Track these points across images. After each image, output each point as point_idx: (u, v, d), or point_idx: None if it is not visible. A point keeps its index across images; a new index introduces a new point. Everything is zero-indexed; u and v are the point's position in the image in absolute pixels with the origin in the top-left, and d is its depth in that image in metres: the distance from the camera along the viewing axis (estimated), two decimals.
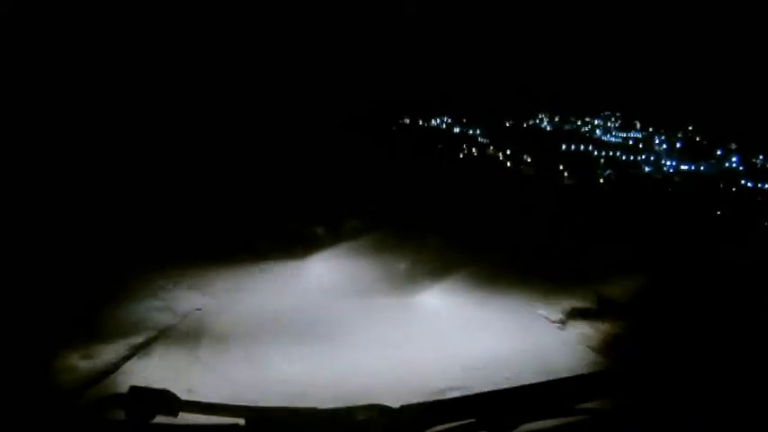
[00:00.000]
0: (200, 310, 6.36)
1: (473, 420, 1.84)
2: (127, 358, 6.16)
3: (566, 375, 2.48)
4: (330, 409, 1.87)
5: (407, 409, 1.84)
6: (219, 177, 13.77)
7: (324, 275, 7.99)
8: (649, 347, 5.89)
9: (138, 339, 6.65)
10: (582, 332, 5.99)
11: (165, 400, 1.86)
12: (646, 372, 2.43)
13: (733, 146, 26.42)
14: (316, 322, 5.97)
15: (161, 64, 13.78)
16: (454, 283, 7.64)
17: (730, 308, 7.16)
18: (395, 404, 1.85)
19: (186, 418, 1.85)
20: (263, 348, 5.57)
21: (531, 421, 1.89)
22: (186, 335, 6.13)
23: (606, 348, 5.99)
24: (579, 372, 5.52)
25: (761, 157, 25.22)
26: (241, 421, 1.79)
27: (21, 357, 5.18)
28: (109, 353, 6.12)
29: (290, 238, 9.94)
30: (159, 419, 1.82)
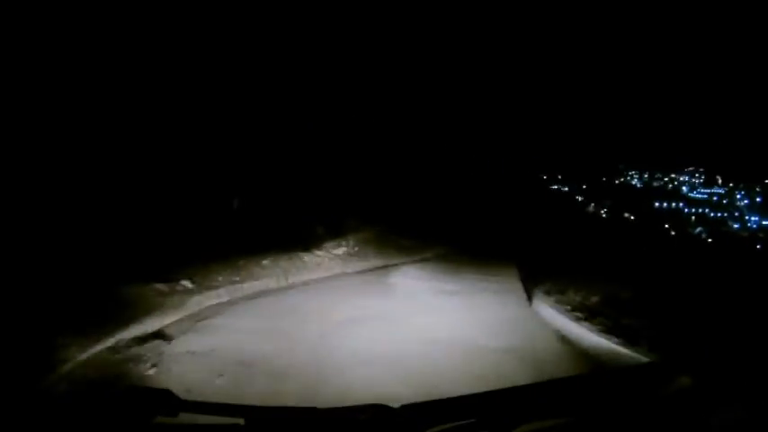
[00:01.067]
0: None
1: (473, 420, 1.84)
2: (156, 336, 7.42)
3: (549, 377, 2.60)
4: (330, 408, 1.88)
5: (407, 409, 1.83)
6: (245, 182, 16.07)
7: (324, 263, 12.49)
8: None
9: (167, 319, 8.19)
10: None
11: (165, 400, 1.89)
12: (646, 372, 2.48)
13: None
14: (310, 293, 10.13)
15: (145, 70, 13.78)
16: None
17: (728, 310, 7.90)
18: (395, 404, 1.85)
19: (186, 418, 1.85)
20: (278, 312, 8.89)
21: (531, 421, 1.89)
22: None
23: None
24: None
25: None
26: (241, 421, 1.80)
27: (21, 357, 5.64)
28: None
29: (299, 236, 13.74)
30: (159, 419, 1.83)
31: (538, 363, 6.45)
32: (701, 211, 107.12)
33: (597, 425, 1.97)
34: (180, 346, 7.00)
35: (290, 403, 4.91)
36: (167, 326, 7.86)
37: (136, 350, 6.78)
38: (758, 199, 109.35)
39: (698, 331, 7.02)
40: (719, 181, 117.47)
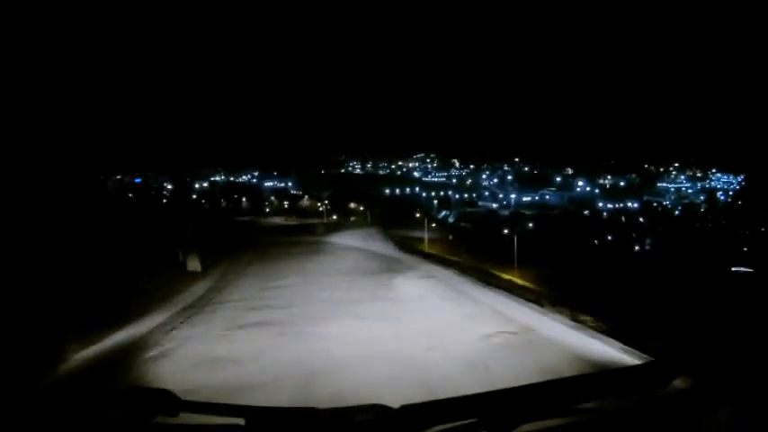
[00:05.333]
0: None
1: (473, 420, 1.85)
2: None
3: (551, 378, 2.48)
4: (330, 408, 1.90)
5: (407, 409, 1.85)
6: None
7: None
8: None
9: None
10: None
11: (165, 400, 1.90)
12: (646, 372, 2.44)
13: None
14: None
15: None
16: None
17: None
18: (395, 404, 1.87)
19: (186, 418, 1.87)
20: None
21: (531, 421, 1.90)
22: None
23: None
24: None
25: None
26: (241, 421, 1.81)
27: (21, 356, 6.28)
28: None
29: None
30: (159, 419, 1.85)
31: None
32: (442, 193, 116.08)
33: (597, 425, 2.04)
34: None
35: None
36: None
37: None
38: (509, 177, 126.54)
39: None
40: (457, 164, 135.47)
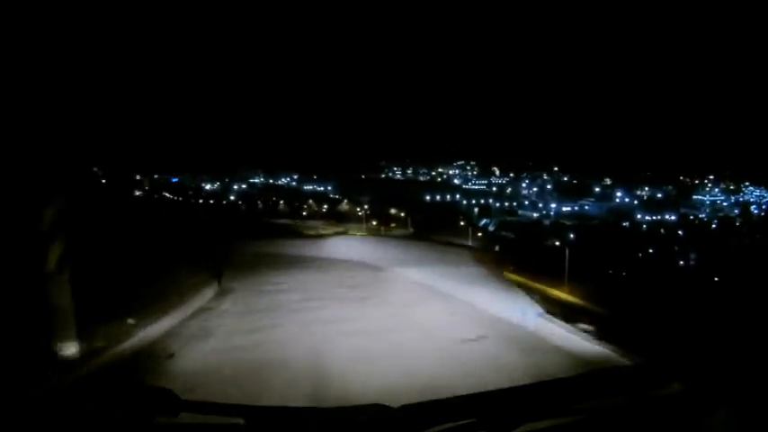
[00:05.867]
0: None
1: (473, 420, 1.85)
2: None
3: (559, 377, 2.45)
4: (330, 408, 1.93)
5: (407, 409, 1.85)
6: None
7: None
8: None
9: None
10: None
11: (165, 400, 1.89)
12: (647, 371, 2.49)
13: None
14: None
15: None
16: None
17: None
18: (395, 404, 1.85)
19: (186, 418, 1.86)
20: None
21: (531, 421, 1.90)
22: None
23: None
24: None
25: None
26: (241, 421, 1.81)
27: (22, 356, 5.89)
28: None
29: None
30: (160, 419, 1.84)
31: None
32: (482, 201, 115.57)
33: (597, 425, 2.02)
34: None
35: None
36: None
37: None
38: (549, 186, 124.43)
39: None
40: (497, 172, 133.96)
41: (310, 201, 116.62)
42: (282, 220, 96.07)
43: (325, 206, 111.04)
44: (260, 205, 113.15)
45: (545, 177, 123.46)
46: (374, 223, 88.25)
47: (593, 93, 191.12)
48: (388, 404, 1.85)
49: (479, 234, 77.22)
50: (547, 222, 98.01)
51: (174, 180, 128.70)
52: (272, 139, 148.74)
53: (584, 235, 78.56)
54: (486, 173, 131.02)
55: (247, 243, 26.31)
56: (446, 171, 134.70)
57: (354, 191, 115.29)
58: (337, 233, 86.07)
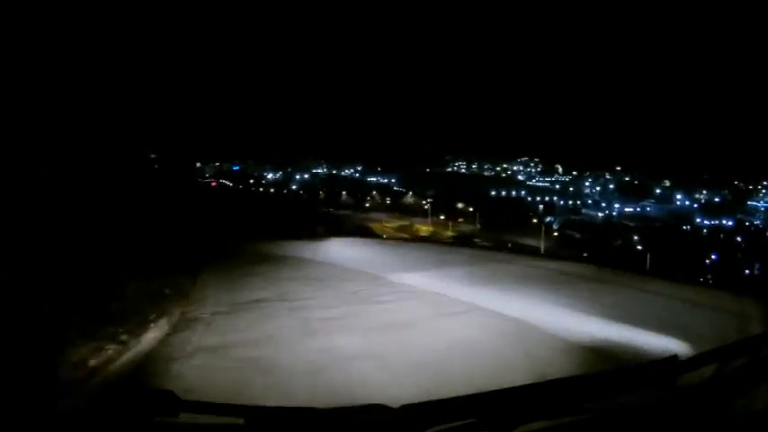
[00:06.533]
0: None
1: (473, 420, 1.85)
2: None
3: (563, 377, 2.41)
4: (330, 408, 1.90)
5: (407, 409, 1.85)
6: None
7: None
8: None
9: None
10: None
11: (166, 400, 1.88)
12: (647, 371, 2.43)
13: None
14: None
15: None
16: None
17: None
18: (395, 404, 1.86)
19: (186, 417, 1.85)
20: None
21: (531, 421, 1.91)
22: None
23: None
24: None
25: None
26: (241, 421, 1.81)
27: (22, 357, 5.84)
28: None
29: None
30: (160, 419, 1.83)
31: None
32: (547, 198, 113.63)
33: (597, 425, 2.03)
34: None
35: None
36: None
37: None
38: (611, 186, 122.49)
39: None
40: (560, 169, 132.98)
41: (374, 192, 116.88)
42: (344, 212, 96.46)
43: (388, 199, 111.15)
44: (322, 195, 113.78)
45: (607, 177, 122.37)
46: (442, 218, 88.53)
47: (655, 93, 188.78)
48: (388, 404, 1.86)
49: (556, 234, 77.87)
50: (609, 223, 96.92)
51: (236, 168, 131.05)
52: (336, 130, 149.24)
53: (649, 237, 76.83)
54: (549, 170, 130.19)
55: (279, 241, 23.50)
56: (510, 167, 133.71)
57: (419, 184, 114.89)
58: (402, 227, 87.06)
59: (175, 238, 19.92)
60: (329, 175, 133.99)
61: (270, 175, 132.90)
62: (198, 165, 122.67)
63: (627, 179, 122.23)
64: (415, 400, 1.89)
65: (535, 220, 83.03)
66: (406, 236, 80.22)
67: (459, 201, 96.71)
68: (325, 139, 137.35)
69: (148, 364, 6.95)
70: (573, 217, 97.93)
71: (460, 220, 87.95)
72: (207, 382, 6.03)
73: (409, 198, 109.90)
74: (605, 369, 4.21)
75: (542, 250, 62.31)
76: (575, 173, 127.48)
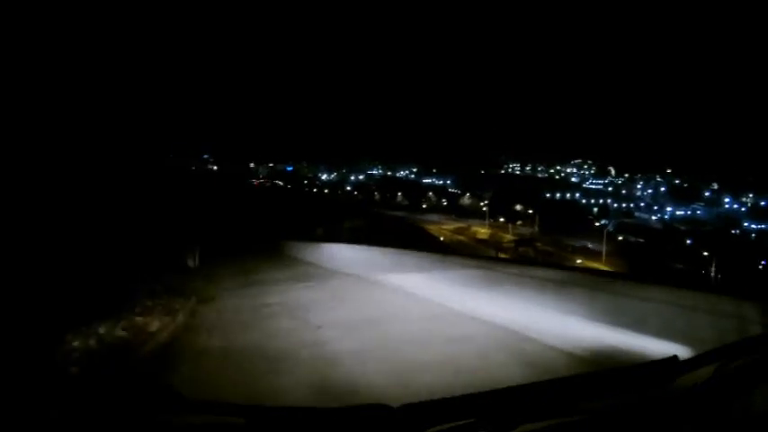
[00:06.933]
0: None
1: (473, 420, 1.85)
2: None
3: (565, 375, 2.29)
4: (330, 408, 1.89)
5: (407, 409, 1.84)
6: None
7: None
8: None
9: None
10: None
11: (167, 399, 1.89)
12: (647, 372, 2.36)
13: None
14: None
15: None
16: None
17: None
18: (395, 404, 1.85)
19: (186, 418, 1.86)
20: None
21: (531, 421, 1.90)
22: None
23: None
24: None
25: None
26: (241, 421, 1.81)
27: (22, 355, 6.14)
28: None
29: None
30: (160, 418, 1.86)
31: None
32: (601, 201, 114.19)
33: (597, 425, 2.03)
34: None
35: None
36: None
37: None
38: (662, 189, 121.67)
39: None
40: (612, 172, 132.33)
41: (430, 193, 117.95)
42: (398, 213, 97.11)
43: (444, 200, 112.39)
44: (377, 196, 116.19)
45: (658, 179, 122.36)
46: (501, 220, 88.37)
47: (702, 94, 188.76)
48: (388, 404, 1.86)
49: (620, 238, 77.72)
50: (659, 226, 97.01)
51: (289, 169, 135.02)
52: (392, 132, 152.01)
53: (701, 241, 75.80)
54: (602, 172, 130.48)
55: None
56: (564, 169, 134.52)
57: (474, 185, 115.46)
58: (459, 229, 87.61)
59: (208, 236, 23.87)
60: (384, 177, 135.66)
61: (324, 176, 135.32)
62: (252, 165, 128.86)
63: (677, 182, 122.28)
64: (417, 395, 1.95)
65: (597, 224, 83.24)
66: (463, 238, 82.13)
67: (516, 202, 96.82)
68: (381, 140, 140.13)
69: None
70: (626, 220, 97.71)
71: (519, 222, 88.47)
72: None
73: (466, 199, 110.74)
74: (605, 369, 3.72)
75: (603, 256, 63.85)
76: (626, 175, 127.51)
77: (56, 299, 8.82)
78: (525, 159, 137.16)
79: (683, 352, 2.62)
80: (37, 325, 7.29)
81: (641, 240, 78.23)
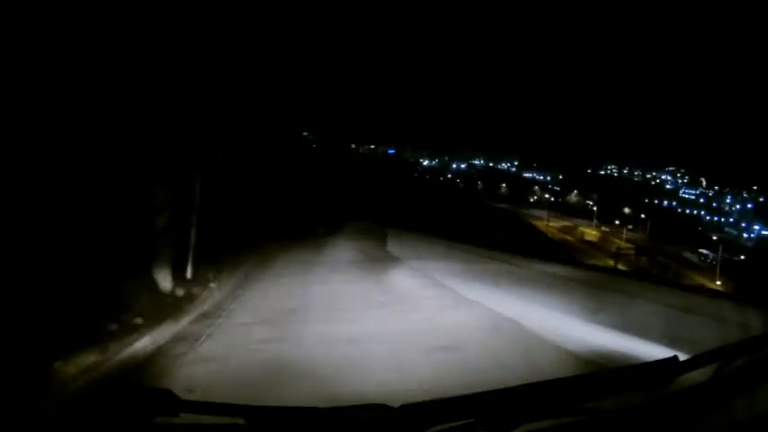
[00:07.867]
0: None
1: (473, 420, 1.87)
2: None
3: (563, 376, 2.33)
4: (330, 408, 1.90)
5: (407, 409, 1.86)
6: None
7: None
8: None
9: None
10: None
11: (166, 400, 1.89)
12: (647, 372, 2.39)
13: None
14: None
15: None
16: None
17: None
18: (395, 404, 1.87)
19: (186, 418, 1.86)
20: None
21: (531, 421, 1.92)
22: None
23: None
24: None
25: None
26: (241, 421, 1.82)
27: (23, 357, 5.83)
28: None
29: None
30: (159, 419, 1.84)
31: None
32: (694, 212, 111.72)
33: (597, 425, 2.04)
34: None
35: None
36: None
37: None
38: (749, 205, 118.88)
39: None
40: (704, 183, 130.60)
41: (536, 187, 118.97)
42: (502, 205, 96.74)
43: (548, 196, 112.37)
44: (480, 186, 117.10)
45: (744, 195, 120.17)
46: (617, 222, 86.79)
47: None
48: (388, 404, 1.87)
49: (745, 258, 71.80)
50: (748, 244, 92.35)
51: (391, 152, 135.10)
52: (496, 123, 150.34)
53: None
54: (694, 182, 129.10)
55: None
56: (658, 175, 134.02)
57: (577, 184, 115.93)
58: (565, 228, 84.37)
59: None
60: (486, 167, 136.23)
61: (426, 162, 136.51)
62: (353, 146, 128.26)
63: (761, 199, 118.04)
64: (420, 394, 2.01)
65: (715, 238, 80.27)
66: (570, 239, 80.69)
67: (624, 206, 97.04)
68: (484, 130, 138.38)
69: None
70: (718, 235, 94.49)
71: (629, 227, 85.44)
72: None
73: (573, 197, 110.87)
74: (606, 369, 4.39)
75: (717, 273, 61.40)
76: (716, 187, 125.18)
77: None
78: (622, 162, 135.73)
79: None
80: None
81: (742, 258, 73.51)
